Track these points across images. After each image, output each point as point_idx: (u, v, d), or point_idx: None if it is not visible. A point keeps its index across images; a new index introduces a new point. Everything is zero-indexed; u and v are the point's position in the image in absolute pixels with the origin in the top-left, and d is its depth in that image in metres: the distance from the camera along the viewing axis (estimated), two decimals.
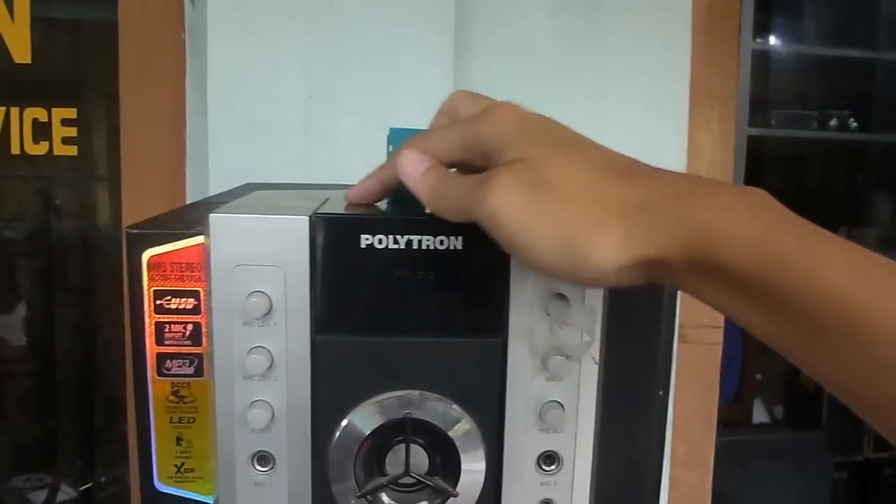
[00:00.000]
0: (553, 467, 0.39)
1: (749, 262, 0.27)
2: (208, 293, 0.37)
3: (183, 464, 0.40)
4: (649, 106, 1.00)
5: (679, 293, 0.40)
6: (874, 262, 0.27)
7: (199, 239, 0.37)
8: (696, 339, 1.05)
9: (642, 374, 0.41)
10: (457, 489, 0.38)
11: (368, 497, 0.38)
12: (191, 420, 0.39)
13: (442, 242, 0.36)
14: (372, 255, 0.36)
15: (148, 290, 0.38)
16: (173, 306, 0.38)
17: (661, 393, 0.41)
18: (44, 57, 1.06)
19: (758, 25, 1.81)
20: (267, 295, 0.36)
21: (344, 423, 0.37)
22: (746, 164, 1.60)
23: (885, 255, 0.27)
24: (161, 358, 0.38)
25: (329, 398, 0.37)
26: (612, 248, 0.29)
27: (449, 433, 0.37)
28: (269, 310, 0.36)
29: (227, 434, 0.37)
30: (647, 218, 0.29)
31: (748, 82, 1.64)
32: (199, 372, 0.39)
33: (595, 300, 0.37)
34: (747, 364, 1.94)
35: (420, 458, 0.38)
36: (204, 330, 0.38)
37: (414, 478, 0.37)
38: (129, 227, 0.38)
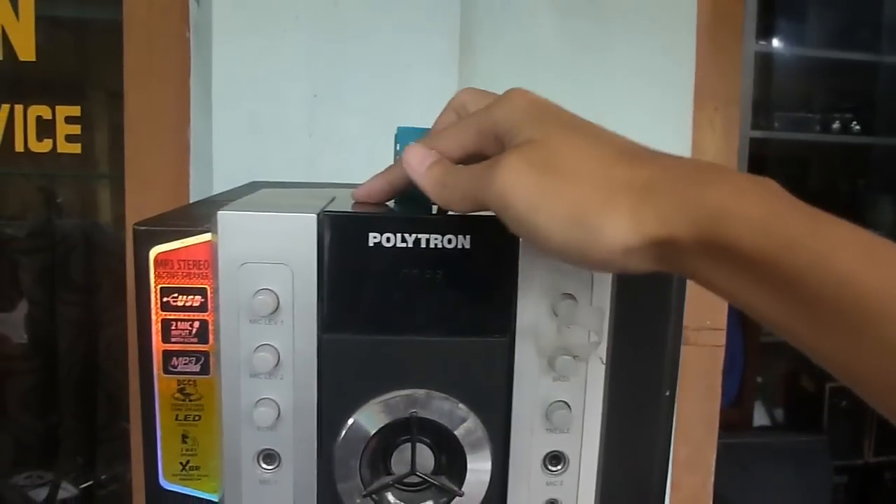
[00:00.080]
0: (559, 467, 0.39)
1: (758, 242, 0.27)
2: (215, 290, 0.37)
3: (188, 461, 0.40)
4: (653, 108, 1.00)
5: (685, 295, 0.40)
6: (884, 246, 0.27)
7: (207, 236, 0.37)
8: (699, 341, 1.04)
9: (649, 375, 0.41)
10: (462, 489, 0.38)
11: (374, 496, 0.38)
12: (197, 418, 0.39)
13: (450, 241, 0.36)
14: (380, 253, 0.36)
15: (155, 287, 0.38)
16: (180, 303, 0.38)
17: (667, 394, 0.41)
18: (48, 55, 1.05)
19: (761, 28, 1.82)
20: (274, 293, 0.36)
21: (350, 421, 0.37)
22: (749, 167, 1.60)
23: None
24: (167, 355, 0.38)
25: (335, 397, 0.37)
26: (621, 227, 0.29)
27: (455, 432, 0.37)
28: (276, 308, 0.36)
29: (232, 432, 0.37)
30: (656, 198, 0.29)
31: (751, 85, 1.64)
32: (205, 369, 0.38)
33: (603, 300, 0.37)
34: (748, 367, 1.94)
35: (426, 458, 0.38)
36: (210, 327, 0.38)
37: (420, 477, 0.37)
38: (136, 223, 0.38)
